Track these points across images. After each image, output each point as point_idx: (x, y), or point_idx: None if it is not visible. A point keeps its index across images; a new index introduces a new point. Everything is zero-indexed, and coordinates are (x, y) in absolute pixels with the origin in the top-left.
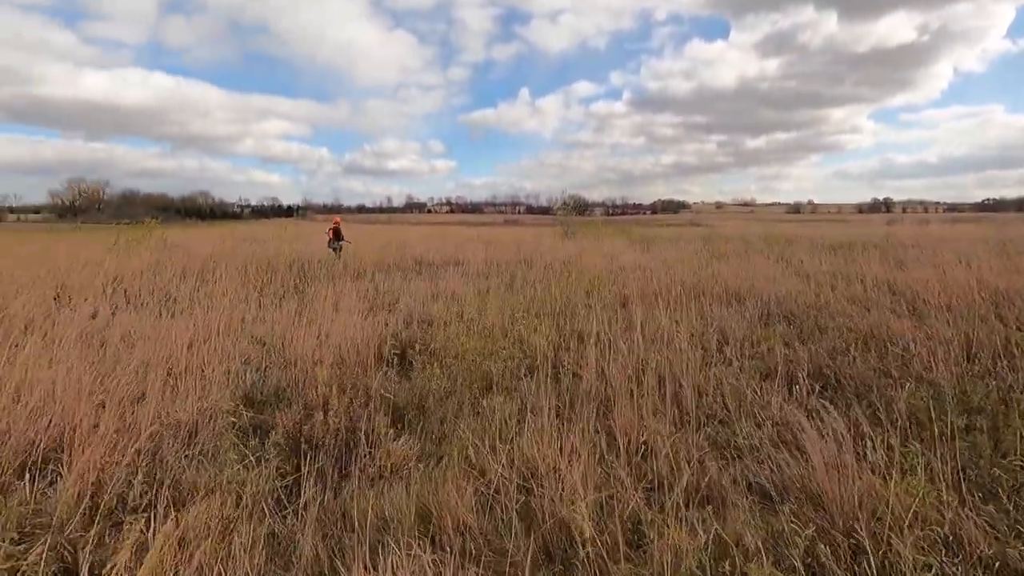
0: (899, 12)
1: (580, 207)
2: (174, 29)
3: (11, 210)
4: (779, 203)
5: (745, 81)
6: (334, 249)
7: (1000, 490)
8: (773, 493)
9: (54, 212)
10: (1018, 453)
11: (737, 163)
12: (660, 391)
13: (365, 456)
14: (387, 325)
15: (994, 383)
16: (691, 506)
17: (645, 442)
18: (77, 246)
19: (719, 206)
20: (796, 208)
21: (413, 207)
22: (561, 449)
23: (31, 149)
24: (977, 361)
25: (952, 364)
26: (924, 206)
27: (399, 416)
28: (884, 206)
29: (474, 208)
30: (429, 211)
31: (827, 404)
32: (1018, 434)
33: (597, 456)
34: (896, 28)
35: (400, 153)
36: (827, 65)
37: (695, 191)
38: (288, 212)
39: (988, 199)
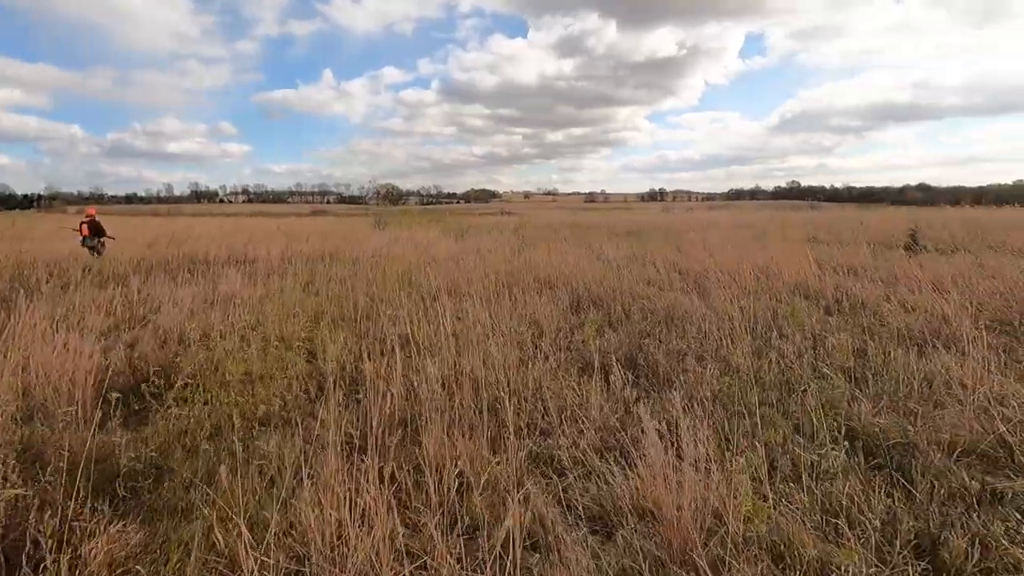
0: (665, 27)
1: (394, 196)
2: None
3: None
4: (578, 192)
5: (545, 79)
6: (91, 248)
7: (804, 473)
8: (605, 517)
9: None
10: (810, 430)
11: (541, 155)
12: (476, 402)
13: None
14: (130, 347)
15: (774, 355)
16: (513, 553)
17: (460, 473)
18: None
19: (527, 195)
20: (592, 197)
21: (201, 196)
22: (351, 506)
23: None
24: (757, 334)
25: (739, 340)
26: (689, 195)
27: (114, 492)
28: (660, 195)
29: (276, 197)
30: (222, 200)
31: (642, 395)
32: (804, 408)
33: (399, 504)
34: (662, 42)
35: (182, 134)
36: (612, 69)
37: (505, 180)
38: (26, 203)
39: (732, 189)
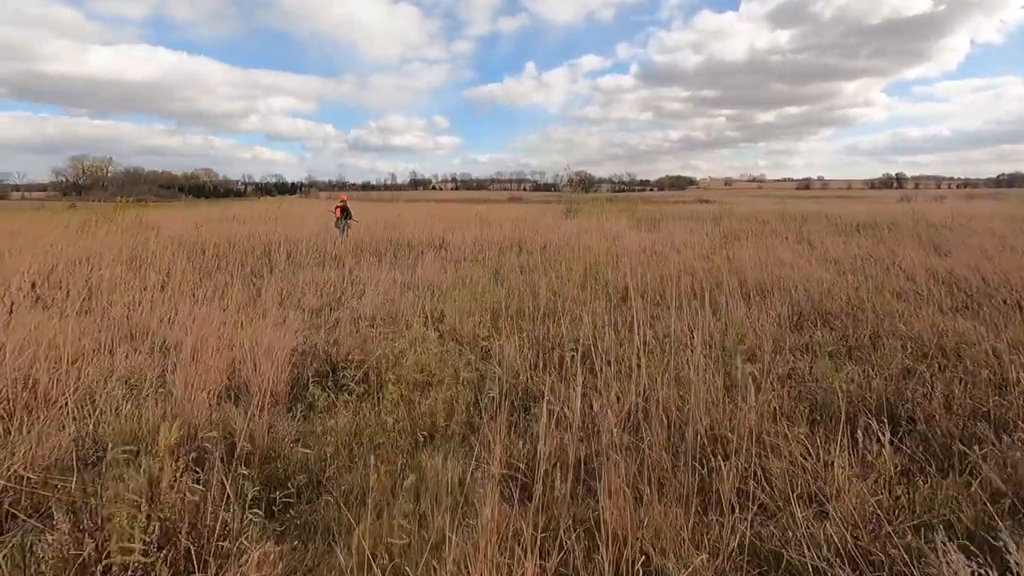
0: None
1: (586, 183)
2: (178, 4)
3: (16, 188)
4: (789, 179)
5: (756, 53)
6: (341, 229)
7: None
8: None
9: (58, 190)
10: None
11: (746, 138)
12: (669, 445)
13: None
14: (330, 330)
15: None
16: None
17: (646, 556)
18: (42, 225)
19: (728, 182)
20: (806, 184)
21: (418, 184)
22: None
23: (36, 127)
24: None
25: None
26: (936, 182)
27: (273, 496)
28: (896, 181)
29: (479, 185)
30: (434, 188)
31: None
32: None
33: None
34: None
35: (405, 129)
36: (840, 37)
37: (703, 167)
38: (292, 190)
39: (1003, 174)
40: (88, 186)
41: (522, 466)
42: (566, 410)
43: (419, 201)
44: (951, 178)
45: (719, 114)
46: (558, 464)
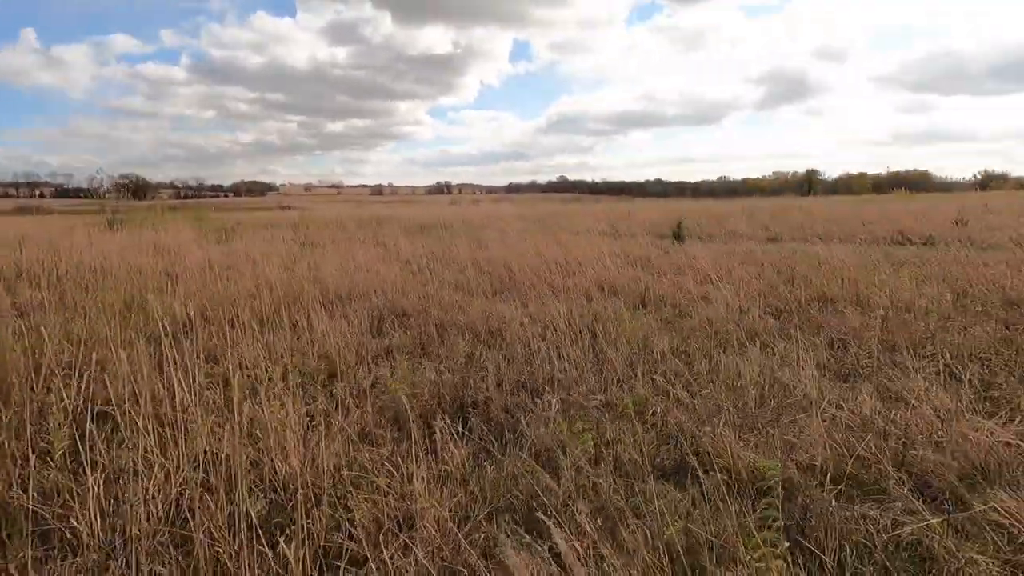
0: (438, 25)
1: (139, 189)
2: None
3: None
4: (364, 185)
5: (319, 64)
6: None
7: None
8: None
9: None
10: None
11: (321, 145)
12: (231, 526)
13: None
14: None
15: (614, 374)
16: None
17: None
18: None
19: (308, 188)
20: (379, 190)
21: None
22: None
23: None
24: (585, 345)
25: (570, 356)
26: (473, 188)
27: None
28: (447, 188)
29: None
30: None
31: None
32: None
33: None
34: (438, 39)
35: None
36: (390, 61)
37: (282, 172)
38: None
39: (511, 183)
40: None
41: None
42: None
43: None
44: (482, 186)
45: (291, 120)
46: None
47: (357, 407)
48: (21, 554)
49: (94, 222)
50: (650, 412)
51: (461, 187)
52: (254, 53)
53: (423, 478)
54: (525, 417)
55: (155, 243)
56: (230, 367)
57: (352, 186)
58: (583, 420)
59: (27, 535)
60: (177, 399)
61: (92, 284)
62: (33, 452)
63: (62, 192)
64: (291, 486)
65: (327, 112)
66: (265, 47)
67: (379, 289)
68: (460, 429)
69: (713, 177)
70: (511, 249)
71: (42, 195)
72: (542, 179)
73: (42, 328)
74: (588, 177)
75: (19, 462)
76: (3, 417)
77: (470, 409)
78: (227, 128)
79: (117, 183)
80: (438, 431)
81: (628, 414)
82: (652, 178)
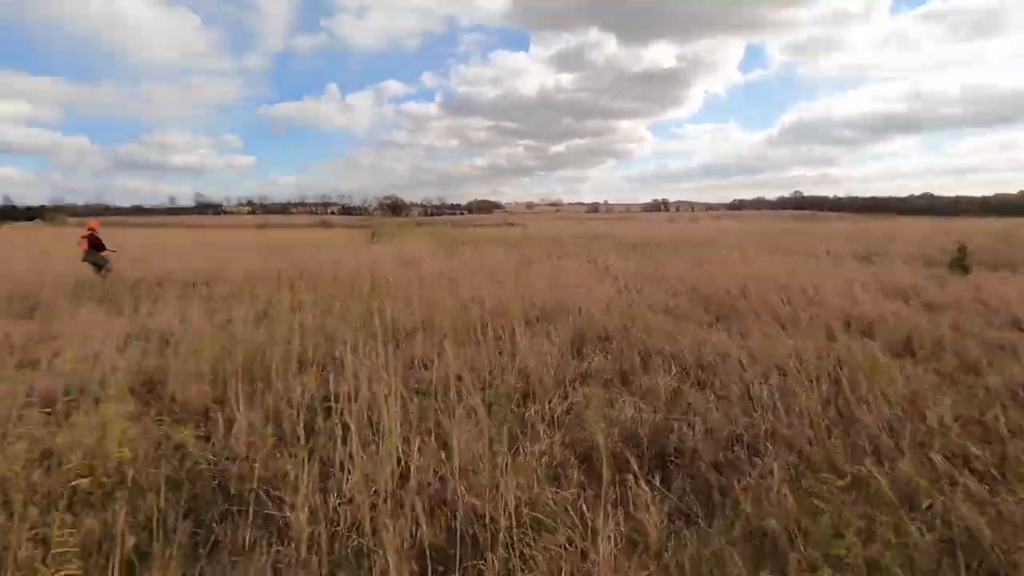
0: (662, 42)
1: (396, 207)
2: None
3: None
4: (581, 202)
5: (546, 91)
6: (94, 264)
7: None
8: None
9: None
10: None
11: (544, 166)
12: (419, 541)
13: None
14: None
15: (864, 438)
16: None
17: None
18: None
19: (530, 206)
20: (595, 207)
21: (206, 207)
22: None
23: None
24: (823, 395)
25: (804, 407)
26: (691, 205)
27: None
28: (664, 205)
29: (281, 209)
30: (225, 212)
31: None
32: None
33: None
34: (661, 55)
35: (188, 147)
36: (612, 81)
37: (508, 192)
38: (30, 215)
39: (735, 200)
40: None
41: None
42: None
43: (206, 227)
44: (702, 202)
45: (519, 144)
46: None
47: (547, 435)
48: (242, 533)
49: (361, 235)
50: (923, 505)
51: (679, 204)
52: (492, 87)
53: (610, 537)
54: (739, 480)
55: (401, 254)
56: (435, 377)
57: (570, 204)
58: (820, 497)
59: (251, 516)
60: (386, 404)
61: (348, 287)
62: (273, 436)
63: (345, 210)
64: (472, 515)
65: (551, 135)
66: (501, 80)
67: (584, 307)
68: (658, 482)
69: (1012, 190)
70: (731, 271)
71: (332, 212)
72: (771, 194)
73: (302, 323)
74: (830, 192)
75: (252, 445)
76: (261, 401)
77: (672, 459)
78: (467, 154)
79: (381, 203)
80: (632, 480)
81: (888, 501)
82: (918, 192)
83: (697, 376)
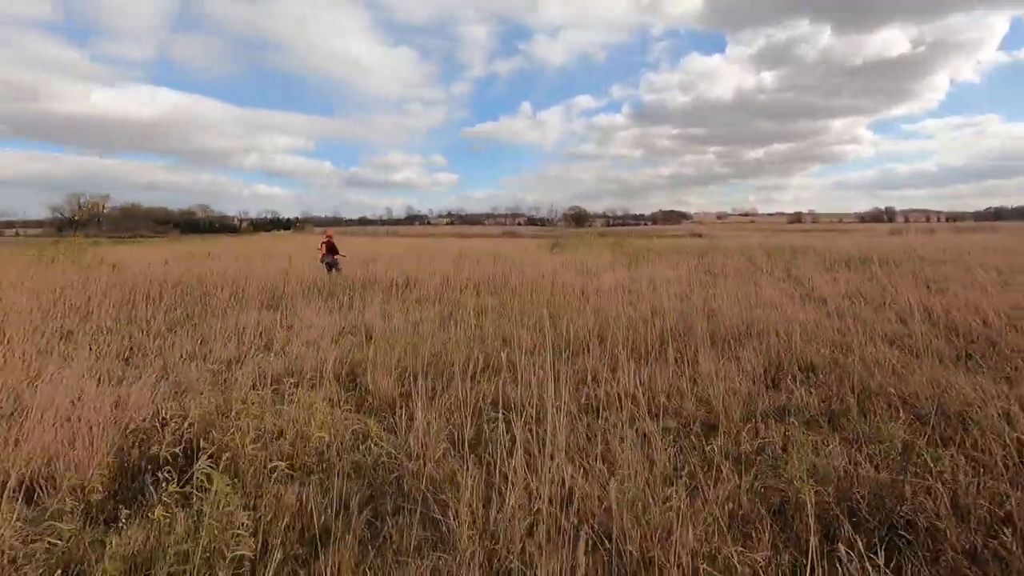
0: (893, 25)
1: (580, 218)
2: (183, 46)
3: (10, 224)
4: (781, 212)
5: (742, 93)
6: (328, 265)
7: None
8: None
9: (54, 226)
10: None
11: (736, 174)
12: None
13: None
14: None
15: None
16: None
17: None
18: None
19: (720, 216)
20: (797, 218)
21: (414, 218)
22: None
23: (38, 165)
24: None
25: None
26: (926, 215)
27: None
28: (886, 215)
29: (474, 219)
30: (428, 222)
31: None
32: None
33: None
34: (891, 41)
35: (404, 166)
36: (824, 77)
37: (695, 201)
38: (287, 225)
39: (989, 208)
40: (84, 222)
41: None
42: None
43: (415, 236)
44: (939, 212)
45: (708, 151)
46: None
47: (733, 478)
48: (410, 533)
49: (544, 245)
50: None
51: (908, 213)
52: (681, 93)
53: None
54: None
55: (580, 264)
56: (606, 394)
57: (767, 214)
58: None
59: (418, 515)
60: (555, 419)
61: (528, 295)
62: (446, 439)
63: (531, 221)
64: (638, 561)
65: (746, 140)
66: (692, 86)
67: (782, 331)
68: (882, 562)
69: None
70: (983, 296)
71: (520, 223)
72: None
73: (481, 328)
74: None
75: (427, 446)
76: (440, 402)
77: (901, 532)
78: (651, 163)
79: (566, 214)
80: (843, 552)
81: None
82: None
83: (939, 429)
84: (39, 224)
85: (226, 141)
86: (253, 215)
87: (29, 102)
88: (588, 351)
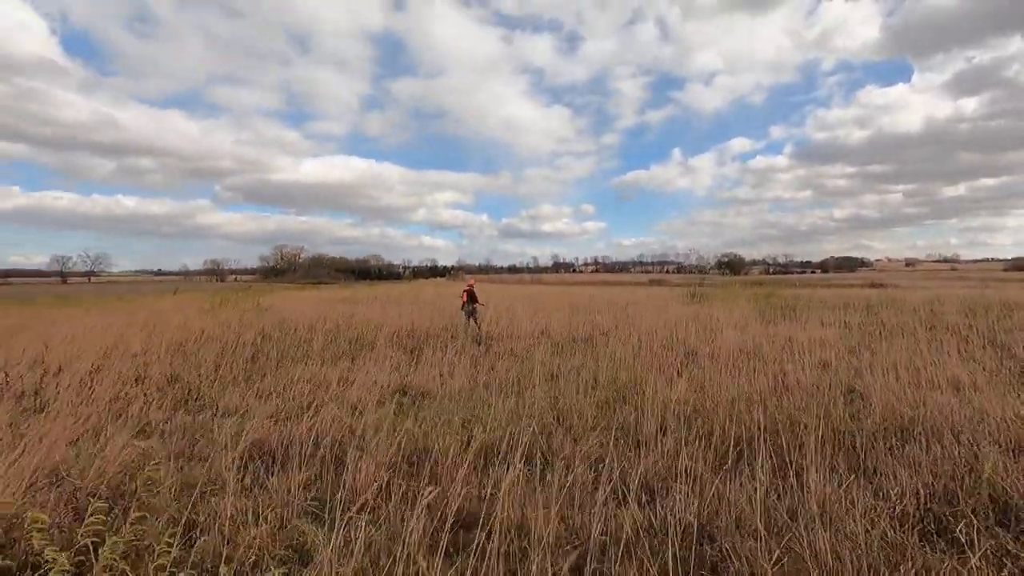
0: None
1: (735, 265)
2: (370, 120)
3: (232, 272)
4: (994, 259)
5: (935, 124)
6: (468, 313)
7: None
8: None
9: (260, 273)
10: None
11: (932, 214)
12: None
13: None
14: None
15: None
16: None
17: None
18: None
19: (909, 263)
20: (1019, 263)
21: (559, 266)
22: None
23: (259, 223)
24: None
25: None
26: None
27: None
28: None
29: (620, 267)
30: (575, 270)
31: None
32: None
33: None
34: None
35: (554, 217)
36: None
37: (878, 247)
38: (443, 272)
39: None
40: (283, 270)
41: None
42: None
43: (554, 284)
44: None
45: (894, 190)
46: None
47: None
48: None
49: (683, 294)
50: None
51: None
52: (858, 128)
53: None
54: None
55: (706, 317)
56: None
57: (973, 260)
58: None
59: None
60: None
61: (636, 350)
62: None
63: (680, 269)
64: None
65: (942, 175)
66: (870, 120)
67: (970, 433)
68: None
69: None
70: None
71: (668, 271)
72: None
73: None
74: None
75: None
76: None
77: None
78: (821, 205)
79: (719, 260)
80: None
81: None
82: None
83: None
84: (252, 272)
85: (400, 199)
86: (415, 263)
87: (258, 174)
88: (666, 433)
